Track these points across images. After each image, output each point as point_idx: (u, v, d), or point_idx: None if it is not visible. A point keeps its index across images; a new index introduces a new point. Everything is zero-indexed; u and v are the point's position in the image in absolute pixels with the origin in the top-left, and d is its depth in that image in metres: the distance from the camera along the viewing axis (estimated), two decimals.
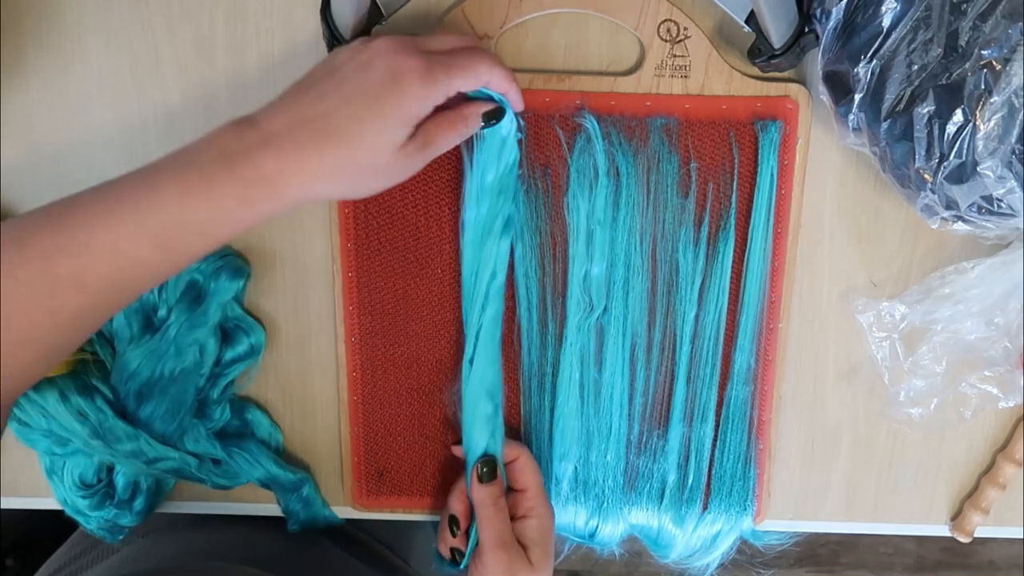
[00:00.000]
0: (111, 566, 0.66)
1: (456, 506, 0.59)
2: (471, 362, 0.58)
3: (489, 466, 0.58)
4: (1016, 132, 0.46)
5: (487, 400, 0.58)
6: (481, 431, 0.58)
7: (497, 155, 0.55)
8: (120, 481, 0.61)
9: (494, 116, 0.52)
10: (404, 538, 0.78)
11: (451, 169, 0.57)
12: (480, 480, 0.58)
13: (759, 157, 0.57)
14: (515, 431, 0.62)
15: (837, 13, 0.49)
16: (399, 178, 0.48)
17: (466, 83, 0.48)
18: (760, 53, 0.54)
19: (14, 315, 0.43)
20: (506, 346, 0.60)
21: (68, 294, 0.43)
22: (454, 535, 0.59)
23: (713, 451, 0.62)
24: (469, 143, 0.54)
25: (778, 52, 0.52)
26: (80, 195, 0.45)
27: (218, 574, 0.60)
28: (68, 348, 0.46)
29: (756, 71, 0.56)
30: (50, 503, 0.64)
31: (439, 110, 0.48)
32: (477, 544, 0.58)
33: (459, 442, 0.60)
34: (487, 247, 0.56)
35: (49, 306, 0.43)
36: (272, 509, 0.65)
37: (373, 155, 0.46)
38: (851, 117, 0.50)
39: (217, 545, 0.65)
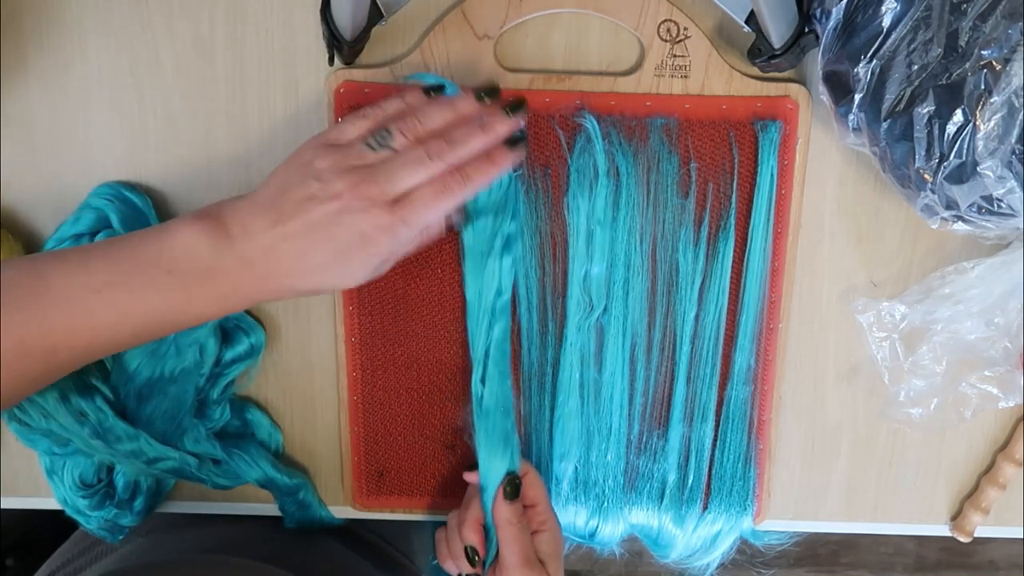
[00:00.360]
0: (110, 563, 0.66)
1: (471, 536, 0.58)
2: (483, 381, 0.57)
3: (514, 484, 0.57)
4: (1016, 132, 0.46)
5: (504, 417, 0.57)
6: (503, 451, 0.57)
7: None
8: (120, 481, 0.61)
9: None
10: (407, 536, 0.78)
11: None
12: (506, 498, 0.57)
13: (759, 157, 0.57)
14: None
15: (837, 13, 0.49)
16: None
17: (432, 219, 0.49)
18: (760, 53, 0.54)
19: None
20: None
21: (40, 358, 0.46)
22: (473, 565, 0.58)
23: (713, 451, 0.62)
24: None
25: (778, 52, 0.52)
26: (44, 268, 0.46)
27: (218, 568, 0.60)
28: (44, 385, 0.49)
29: (756, 71, 0.56)
30: (50, 503, 0.64)
31: None
32: (498, 564, 0.57)
33: (472, 467, 0.59)
34: (488, 267, 0.56)
35: (19, 369, 0.46)
36: (274, 509, 0.65)
37: (345, 287, 0.50)
38: (851, 117, 0.50)
39: (218, 542, 0.65)
